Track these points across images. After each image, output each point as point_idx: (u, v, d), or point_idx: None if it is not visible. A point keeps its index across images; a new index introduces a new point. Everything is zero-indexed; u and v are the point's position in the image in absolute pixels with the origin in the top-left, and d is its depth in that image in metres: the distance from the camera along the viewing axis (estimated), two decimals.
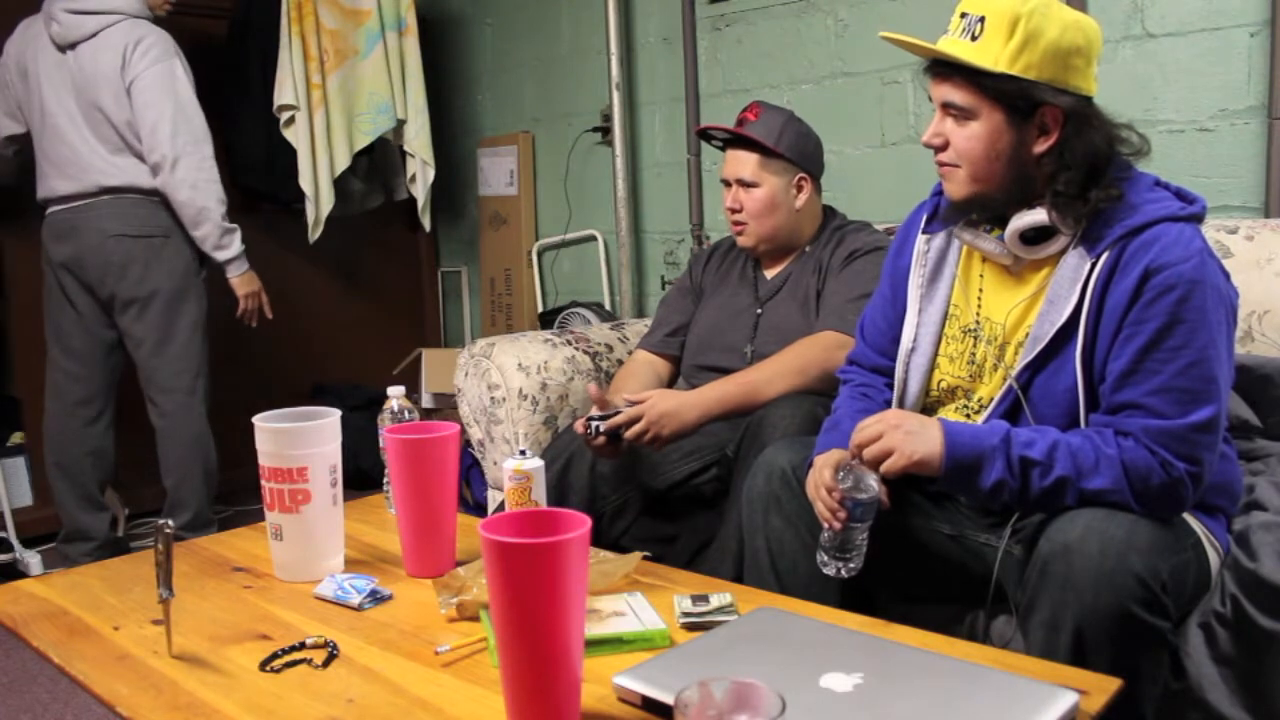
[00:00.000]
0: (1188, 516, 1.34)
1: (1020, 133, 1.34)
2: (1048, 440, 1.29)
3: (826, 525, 1.36)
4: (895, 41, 1.40)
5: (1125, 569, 1.17)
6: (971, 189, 1.39)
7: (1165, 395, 1.26)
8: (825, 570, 1.37)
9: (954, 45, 1.34)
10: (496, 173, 3.76)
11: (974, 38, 1.31)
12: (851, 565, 1.35)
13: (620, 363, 2.42)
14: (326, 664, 1.15)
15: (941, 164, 1.41)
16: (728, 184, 2.07)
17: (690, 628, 1.21)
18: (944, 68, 1.36)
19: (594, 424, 1.77)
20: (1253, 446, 1.67)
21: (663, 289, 3.25)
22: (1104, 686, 1.01)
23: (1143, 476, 1.25)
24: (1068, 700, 0.95)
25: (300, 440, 1.38)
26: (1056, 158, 1.33)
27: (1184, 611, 1.32)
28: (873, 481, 1.33)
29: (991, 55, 1.30)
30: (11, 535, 2.97)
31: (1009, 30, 1.29)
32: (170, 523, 1.18)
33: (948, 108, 1.37)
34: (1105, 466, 1.26)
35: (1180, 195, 1.35)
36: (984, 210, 1.40)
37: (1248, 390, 1.70)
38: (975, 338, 1.46)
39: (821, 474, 1.37)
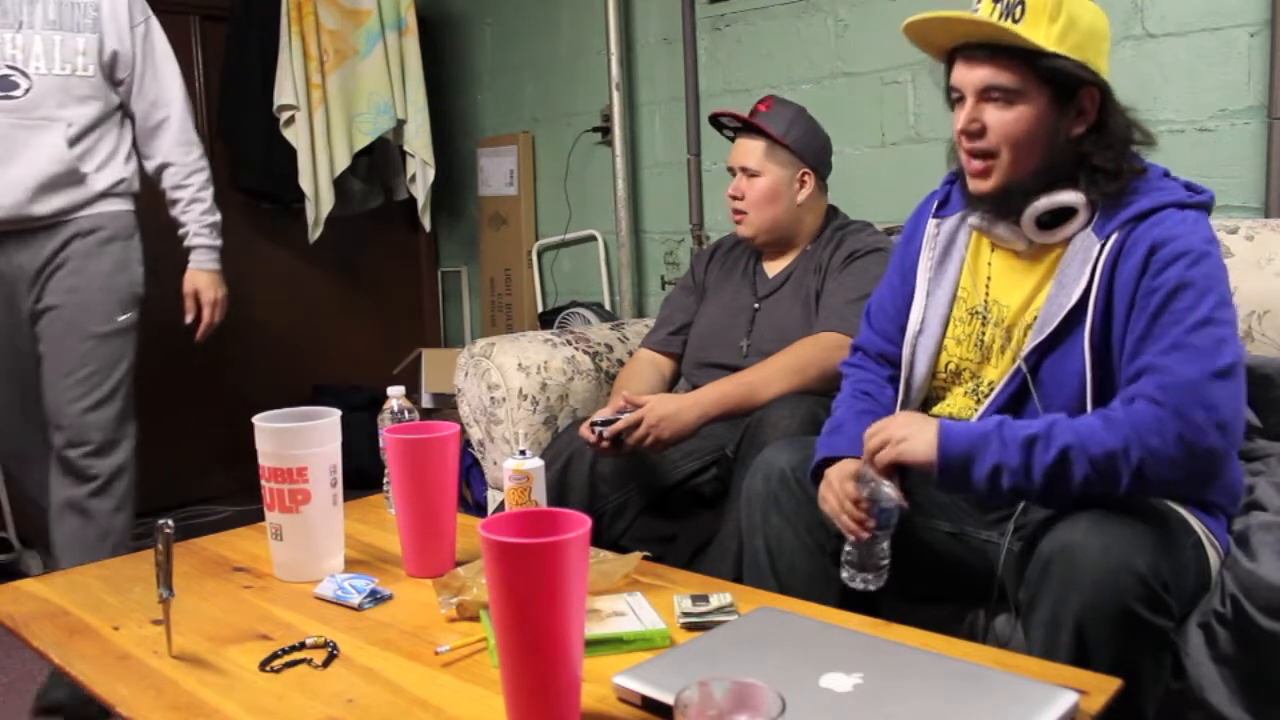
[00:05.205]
0: (1188, 516, 1.34)
1: (1061, 114, 1.35)
2: (1046, 419, 1.28)
3: (852, 537, 1.35)
4: (940, 21, 1.36)
5: (1127, 568, 1.17)
6: (1008, 177, 1.37)
7: (1176, 353, 1.24)
8: (854, 585, 1.35)
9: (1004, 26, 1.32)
10: (496, 173, 3.76)
11: (1015, 20, 1.31)
12: (884, 576, 1.34)
13: (620, 363, 2.42)
14: (326, 664, 1.15)
15: (974, 155, 1.38)
16: (733, 172, 2.09)
17: (690, 628, 1.21)
18: (985, 50, 1.34)
19: (598, 428, 1.78)
20: (1253, 446, 1.67)
21: (663, 289, 3.25)
22: (1104, 686, 1.01)
23: (1156, 430, 1.21)
24: (1068, 700, 0.95)
25: (300, 440, 1.38)
26: (1096, 137, 1.35)
27: (1184, 611, 1.32)
28: (888, 488, 1.32)
29: (1041, 35, 1.30)
30: (11, 535, 2.97)
31: (1053, 13, 1.30)
32: (170, 523, 1.18)
33: (988, 91, 1.35)
34: (1112, 427, 1.23)
35: (1188, 187, 1.37)
36: (1011, 201, 1.39)
37: (1248, 391, 1.70)
38: (983, 320, 1.47)
39: (844, 487, 1.36)
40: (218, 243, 2.38)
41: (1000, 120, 1.35)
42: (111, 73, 2.18)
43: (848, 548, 1.36)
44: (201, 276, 2.37)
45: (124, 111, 2.25)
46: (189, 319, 2.37)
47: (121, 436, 2.18)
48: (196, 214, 2.33)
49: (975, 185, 1.40)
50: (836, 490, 1.37)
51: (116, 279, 2.19)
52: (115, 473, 2.16)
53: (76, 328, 2.14)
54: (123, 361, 2.20)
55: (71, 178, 2.12)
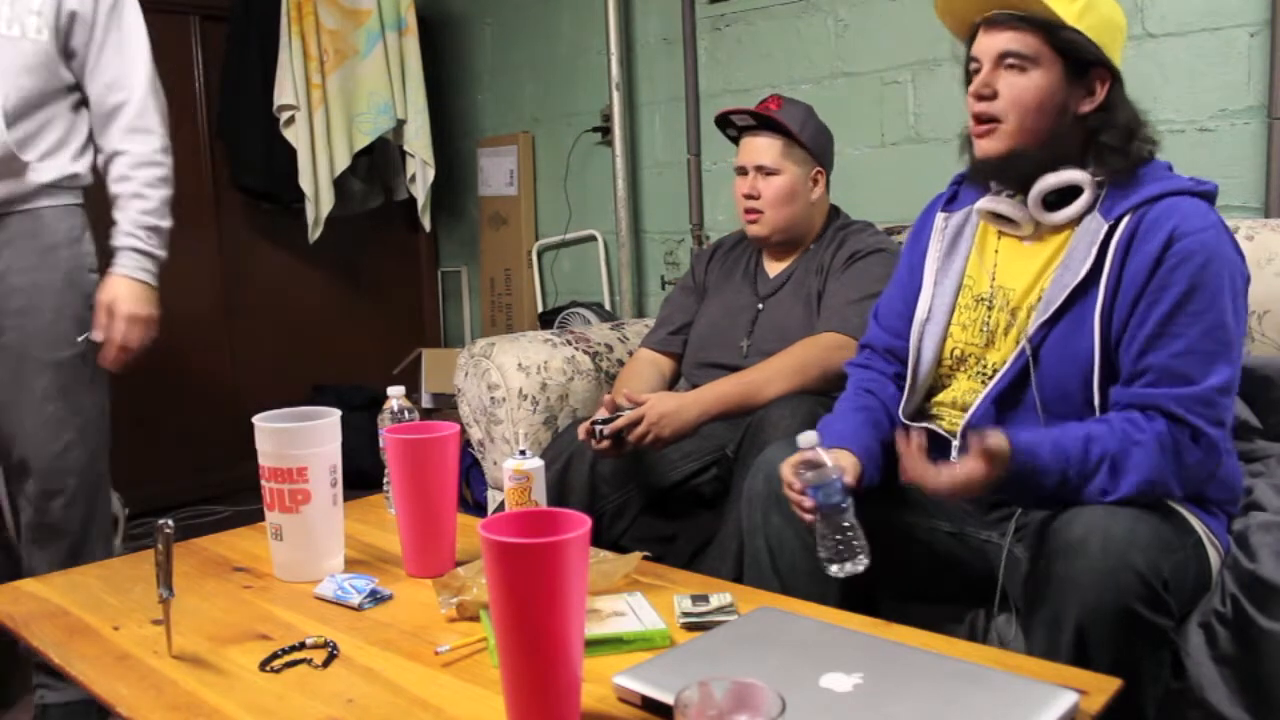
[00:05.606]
0: (1188, 515, 1.34)
1: (1071, 89, 1.39)
2: (1107, 453, 1.28)
3: (809, 525, 1.35)
4: None
5: (1127, 567, 1.17)
6: (1011, 143, 1.41)
7: (1189, 358, 1.30)
8: (839, 573, 1.33)
9: None
10: (496, 173, 3.76)
11: None
12: (859, 559, 1.32)
13: (620, 363, 2.42)
14: (326, 664, 1.15)
15: (981, 117, 1.42)
16: (743, 171, 2.06)
17: (690, 628, 1.21)
18: (1008, 17, 1.39)
19: (598, 428, 1.78)
20: (1252, 448, 1.66)
21: (663, 289, 3.25)
22: (1104, 686, 1.01)
23: (1178, 451, 1.28)
24: (1068, 700, 0.95)
25: (300, 440, 1.38)
26: (1103, 116, 1.40)
27: (1184, 611, 1.32)
28: (826, 465, 1.32)
29: (1063, 9, 1.36)
30: (12, 535, 2.97)
31: None
32: (170, 523, 1.18)
33: (1005, 57, 1.40)
34: (1148, 457, 1.28)
35: (1192, 180, 1.41)
36: (1014, 169, 1.42)
37: (1248, 391, 1.70)
38: (988, 305, 1.49)
39: (783, 475, 1.38)
40: (158, 252, 1.91)
41: (1012, 85, 1.39)
42: (66, 40, 1.83)
43: (818, 538, 1.34)
44: (123, 285, 1.86)
45: (80, 96, 1.89)
46: (97, 336, 1.86)
47: (96, 480, 1.91)
48: (135, 212, 1.87)
49: (981, 146, 1.44)
50: (785, 481, 1.38)
51: (68, 295, 1.84)
52: (86, 523, 1.90)
53: (31, 359, 1.82)
54: (93, 387, 1.90)
55: (8, 166, 1.77)
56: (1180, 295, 1.31)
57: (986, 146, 1.43)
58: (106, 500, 1.98)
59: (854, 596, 1.42)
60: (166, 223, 1.92)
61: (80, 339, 1.87)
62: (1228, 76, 2.13)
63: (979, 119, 1.43)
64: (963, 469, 1.27)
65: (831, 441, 1.44)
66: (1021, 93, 1.39)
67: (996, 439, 1.26)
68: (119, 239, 1.88)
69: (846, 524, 1.33)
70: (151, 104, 1.91)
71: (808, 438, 1.34)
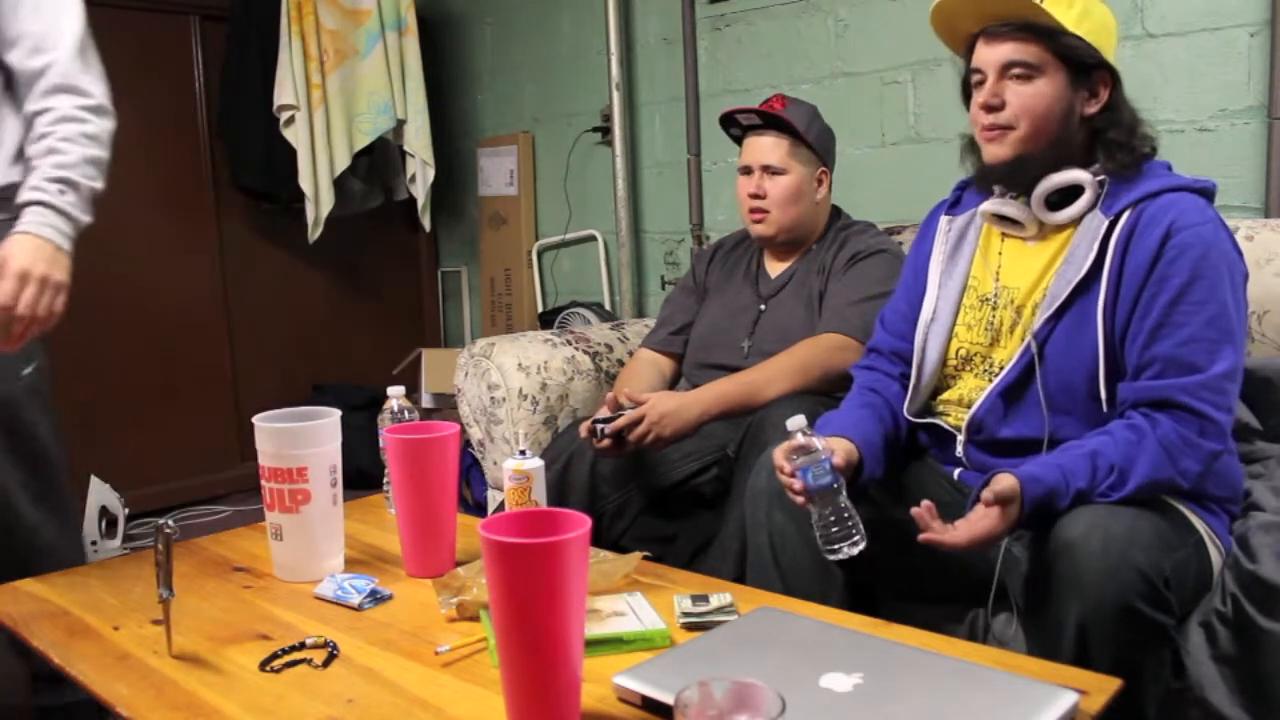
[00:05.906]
0: (1190, 514, 1.35)
1: (1076, 93, 1.42)
2: (1116, 467, 1.29)
3: (803, 507, 1.36)
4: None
5: (1128, 564, 1.17)
6: (1020, 149, 1.43)
7: (1194, 346, 1.32)
8: (838, 555, 1.34)
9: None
10: (496, 173, 3.76)
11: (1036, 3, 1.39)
12: (856, 541, 1.32)
13: (621, 363, 2.42)
14: (326, 664, 1.15)
15: (992, 127, 1.44)
16: (748, 171, 2.06)
17: (690, 628, 1.21)
18: (1008, 28, 1.41)
19: (599, 427, 1.78)
20: (1252, 449, 1.66)
21: (663, 289, 3.25)
22: (1104, 686, 1.01)
23: (1184, 449, 1.29)
24: (1068, 700, 0.95)
25: (300, 440, 1.38)
26: (1108, 116, 1.42)
27: (1186, 610, 1.32)
28: (819, 447, 1.33)
29: (1061, 15, 1.38)
30: None
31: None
32: (170, 523, 1.18)
33: (1010, 67, 1.41)
34: (1154, 459, 1.29)
35: (1191, 178, 1.43)
36: (1023, 172, 1.44)
37: (1248, 392, 1.69)
38: (993, 305, 1.50)
39: (775, 459, 1.39)
40: (74, 211, 1.54)
41: (1020, 94, 1.41)
42: None
43: (813, 522, 1.35)
44: (20, 241, 1.48)
45: (3, 79, 1.60)
46: None
47: (61, 502, 1.72)
48: (48, 166, 1.52)
49: (991, 151, 1.45)
50: (776, 465, 1.39)
51: None
52: (56, 545, 1.70)
53: None
54: (41, 420, 1.66)
55: None
56: (1181, 286, 1.32)
57: (997, 151, 1.44)
58: (77, 518, 1.85)
59: (855, 596, 1.42)
60: (90, 182, 1.57)
61: (27, 371, 1.64)
62: (1228, 76, 2.13)
63: (989, 127, 1.44)
64: (980, 523, 1.27)
65: (831, 431, 1.45)
66: (1030, 100, 1.40)
67: (1005, 482, 1.26)
68: (24, 195, 1.53)
69: (840, 504, 1.34)
70: (79, 66, 1.58)
71: (796, 421, 1.35)
